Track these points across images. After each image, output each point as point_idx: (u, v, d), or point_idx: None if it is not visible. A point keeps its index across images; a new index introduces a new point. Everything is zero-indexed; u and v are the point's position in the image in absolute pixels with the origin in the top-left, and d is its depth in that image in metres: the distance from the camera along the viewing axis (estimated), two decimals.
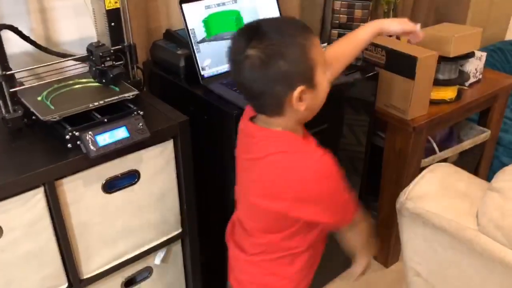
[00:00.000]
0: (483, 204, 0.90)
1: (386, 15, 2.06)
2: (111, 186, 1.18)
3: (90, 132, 1.07)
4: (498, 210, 0.88)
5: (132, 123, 1.13)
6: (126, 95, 1.16)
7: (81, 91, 1.20)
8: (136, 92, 1.17)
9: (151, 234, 1.32)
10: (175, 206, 1.34)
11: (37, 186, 1.05)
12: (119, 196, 1.20)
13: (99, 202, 1.17)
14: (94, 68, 1.19)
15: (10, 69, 1.10)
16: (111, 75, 1.17)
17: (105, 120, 1.12)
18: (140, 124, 1.13)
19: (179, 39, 1.43)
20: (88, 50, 1.20)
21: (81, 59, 1.24)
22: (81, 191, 1.13)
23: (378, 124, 1.67)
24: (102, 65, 1.17)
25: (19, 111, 1.14)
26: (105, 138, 1.08)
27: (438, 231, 0.94)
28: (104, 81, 1.20)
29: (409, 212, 0.97)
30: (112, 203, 1.20)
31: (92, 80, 1.24)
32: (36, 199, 1.06)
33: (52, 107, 1.10)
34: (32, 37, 1.36)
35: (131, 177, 1.21)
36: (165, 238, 1.36)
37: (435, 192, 0.94)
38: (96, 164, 1.12)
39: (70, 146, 1.08)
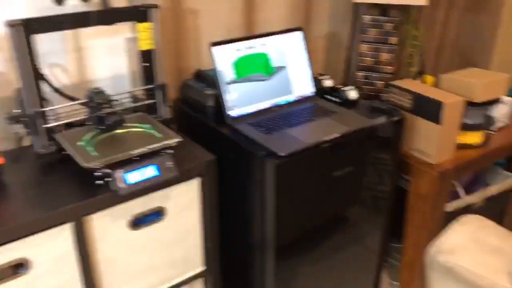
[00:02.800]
0: None
1: (410, 58, 2.07)
2: (137, 222, 1.19)
3: (120, 170, 1.09)
4: None
5: (162, 161, 1.15)
6: (169, 142, 1.17)
7: (124, 136, 1.21)
8: (178, 140, 1.17)
9: (173, 271, 1.32)
10: (198, 244, 1.34)
11: (66, 222, 1.07)
12: (144, 232, 1.21)
13: (124, 239, 1.18)
14: (92, 115, 1.19)
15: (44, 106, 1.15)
16: (108, 122, 1.17)
17: (136, 158, 1.14)
18: (170, 163, 1.15)
19: (209, 79, 1.47)
20: (88, 96, 1.20)
21: (83, 104, 1.23)
22: (108, 227, 1.14)
23: (403, 167, 1.66)
24: (101, 112, 1.17)
25: (53, 147, 1.17)
26: (134, 176, 1.10)
27: (469, 287, 0.91)
28: (102, 127, 1.19)
29: (440, 266, 0.95)
30: (137, 239, 1.21)
31: (136, 125, 1.25)
32: (64, 234, 1.07)
33: (95, 153, 1.11)
34: (68, 75, 1.42)
35: (156, 214, 1.22)
36: (187, 276, 1.36)
37: (466, 246, 0.92)
38: (124, 201, 1.14)
39: (101, 182, 1.10)
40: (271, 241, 1.32)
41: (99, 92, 1.19)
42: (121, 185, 1.08)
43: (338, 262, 1.64)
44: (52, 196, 1.09)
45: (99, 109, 1.16)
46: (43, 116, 1.14)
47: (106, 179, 1.10)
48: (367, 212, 1.70)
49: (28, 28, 1.06)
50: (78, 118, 1.24)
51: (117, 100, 1.29)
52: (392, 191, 1.67)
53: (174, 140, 1.18)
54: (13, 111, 1.15)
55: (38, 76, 1.11)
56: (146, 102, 1.34)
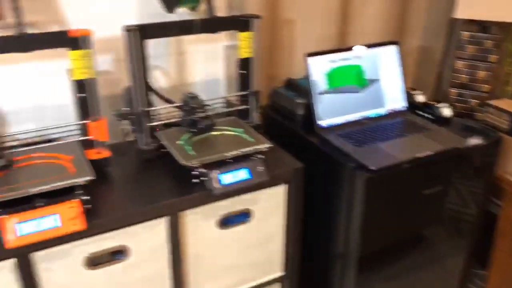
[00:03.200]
0: None
1: (507, 76, 1.98)
2: (225, 222, 1.24)
3: (216, 171, 1.14)
4: None
5: (253, 165, 1.19)
6: (260, 147, 1.21)
7: (218, 138, 1.27)
8: (268, 145, 1.21)
9: (254, 273, 1.36)
10: (279, 249, 1.37)
11: (163, 216, 1.14)
12: (231, 232, 1.26)
13: (212, 236, 1.24)
14: (186, 117, 1.24)
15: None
16: (200, 126, 1.21)
17: (229, 160, 1.19)
18: (261, 168, 1.19)
19: (299, 88, 1.50)
20: (183, 100, 1.25)
21: (178, 107, 1.30)
22: (199, 224, 1.20)
23: (495, 190, 1.59)
24: (194, 116, 1.22)
25: (154, 144, 1.26)
26: (228, 178, 1.15)
27: None
28: (194, 130, 1.24)
29: None
30: (224, 238, 1.26)
31: (229, 128, 1.31)
32: (160, 227, 1.14)
33: (193, 153, 1.18)
34: (168, 77, 1.51)
35: (244, 216, 1.26)
36: (266, 279, 1.39)
37: None
38: (216, 201, 1.19)
39: (196, 181, 1.16)
40: (354, 253, 1.32)
41: (193, 97, 1.24)
42: (216, 185, 1.13)
43: (417, 281, 1.60)
44: (152, 191, 1.16)
45: (193, 113, 1.22)
46: (148, 115, 1.22)
47: (202, 178, 1.15)
48: (450, 234, 1.65)
49: (142, 33, 1.14)
50: (173, 120, 1.31)
51: (209, 105, 1.34)
52: (479, 215, 1.60)
53: (265, 145, 1.22)
54: (122, 109, 1.24)
55: (146, 78, 1.19)
56: (239, 107, 1.39)
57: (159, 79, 1.49)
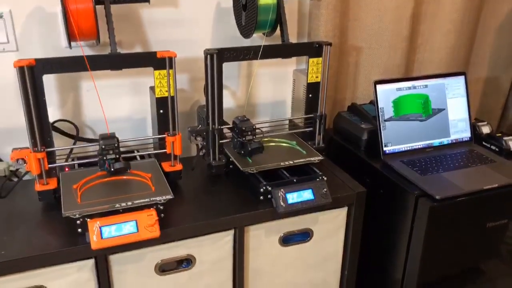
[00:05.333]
0: None
1: None
2: (286, 240, 1.28)
3: (282, 190, 1.19)
4: None
5: (317, 187, 1.22)
6: (312, 159, 1.28)
7: (274, 149, 1.35)
8: (320, 158, 1.28)
9: None
10: (337, 270, 1.39)
11: (229, 229, 1.19)
12: (291, 251, 1.30)
13: (274, 253, 1.28)
14: (235, 139, 1.28)
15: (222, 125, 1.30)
16: (249, 149, 1.25)
17: (294, 180, 1.23)
18: (324, 189, 1.23)
19: (364, 113, 1.53)
20: (233, 122, 1.29)
21: (229, 129, 1.32)
22: (262, 240, 1.25)
23: None
24: (243, 138, 1.25)
25: (223, 160, 1.32)
26: (293, 197, 1.19)
27: None
28: (242, 152, 1.28)
29: None
30: (284, 256, 1.30)
31: (283, 140, 1.39)
32: (226, 240, 1.20)
33: (250, 161, 1.26)
34: (235, 98, 1.58)
35: (304, 235, 1.30)
36: None
37: None
38: (279, 218, 1.23)
39: (262, 198, 1.21)
40: (412, 281, 1.32)
41: (244, 120, 1.28)
42: (281, 203, 1.18)
43: None
44: (219, 204, 1.22)
45: (243, 136, 1.26)
46: (220, 133, 1.29)
47: (268, 195, 1.20)
48: (508, 270, 1.61)
49: (220, 56, 1.21)
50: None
51: (259, 129, 1.35)
52: None
53: (316, 158, 1.29)
54: (197, 125, 1.31)
55: (221, 99, 1.26)
56: (304, 129, 1.44)
57: (227, 98, 1.56)
